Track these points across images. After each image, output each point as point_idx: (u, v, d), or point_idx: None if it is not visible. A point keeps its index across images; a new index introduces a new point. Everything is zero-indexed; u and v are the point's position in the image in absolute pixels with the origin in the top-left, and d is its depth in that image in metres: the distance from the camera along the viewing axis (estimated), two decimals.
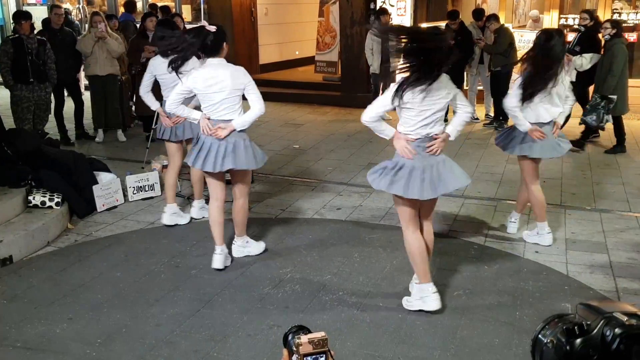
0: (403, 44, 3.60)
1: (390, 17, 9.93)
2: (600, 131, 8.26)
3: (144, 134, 8.37)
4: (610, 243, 5.09)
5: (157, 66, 5.25)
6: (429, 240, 3.99)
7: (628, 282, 4.43)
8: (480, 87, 9.96)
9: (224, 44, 4.37)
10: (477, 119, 9.61)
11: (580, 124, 7.93)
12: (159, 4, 11.80)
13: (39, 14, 12.45)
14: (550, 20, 10.91)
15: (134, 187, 6.19)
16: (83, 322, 3.90)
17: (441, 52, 3.58)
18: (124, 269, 4.67)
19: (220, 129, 4.36)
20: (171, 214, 5.52)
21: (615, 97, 7.44)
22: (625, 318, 1.12)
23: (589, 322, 1.15)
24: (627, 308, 1.16)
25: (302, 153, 8.03)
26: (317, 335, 1.40)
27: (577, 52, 8.03)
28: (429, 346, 3.62)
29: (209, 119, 4.39)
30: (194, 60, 4.64)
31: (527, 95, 4.59)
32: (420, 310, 3.96)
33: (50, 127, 8.47)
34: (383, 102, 3.77)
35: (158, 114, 5.60)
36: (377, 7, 10.40)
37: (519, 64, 5.08)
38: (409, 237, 3.90)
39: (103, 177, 6.21)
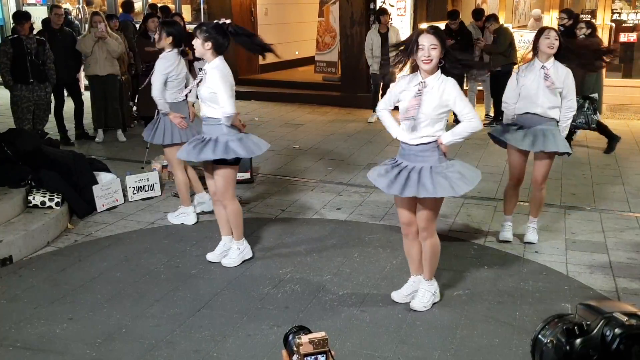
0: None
1: (390, 17, 9.93)
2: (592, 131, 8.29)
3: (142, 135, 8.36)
4: (610, 243, 5.09)
5: (169, 66, 5.21)
6: (425, 249, 3.95)
7: (628, 282, 4.43)
8: (480, 87, 9.96)
9: None
10: None
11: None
12: (159, 5, 11.79)
13: (38, 14, 12.46)
14: (550, 20, 10.91)
15: (133, 187, 6.19)
16: (83, 322, 3.90)
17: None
18: (123, 269, 4.67)
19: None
20: (194, 211, 5.62)
21: (596, 95, 7.46)
22: (625, 318, 1.12)
23: (588, 322, 1.15)
24: (627, 308, 1.16)
25: (302, 153, 8.03)
26: (318, 335, 1.40)
27: None
28: (429, 346, 3.62)
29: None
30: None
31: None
32: (419, 311, 3.98)
33: (50, 127, 8.46)
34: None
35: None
36: (377, 7, 10.40)
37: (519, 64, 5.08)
38: (403, 239, 4.05)
39: (103, 177, 6.21)
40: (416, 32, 3.74)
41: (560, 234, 5.28)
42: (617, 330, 1.10)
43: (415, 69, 3.87)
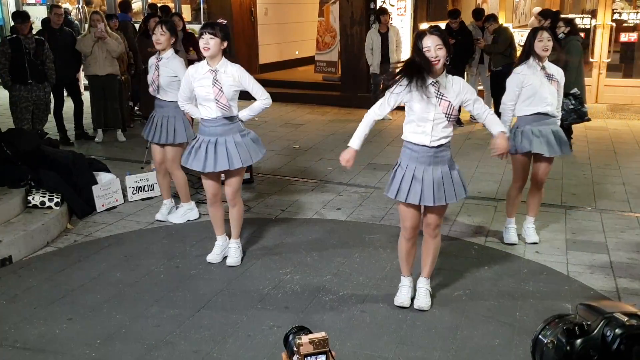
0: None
1: (390, 17, 9.93)
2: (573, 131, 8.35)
3: (142, 135, 8.36)
4: (610, 243, 5.09)
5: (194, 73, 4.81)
6: (431, 247, 3.99)
7: (628, 282, 4.42)
8: (481, 87, 9.95)
9: None
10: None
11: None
12: (159, 4, 11.79)
13: (38, 13, 12.48)
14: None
15: (133, 187, 6.18)
16: (83, 323, 3.90)
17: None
18: (123, 269, 4.67)
19: None
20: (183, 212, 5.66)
21: (576, 90, 7.48)
22: (625, 318, 1.12)
23: (589, 323, 1.15)
24: (627, 308, 1.16)
25: (301, 153, 8.03)
26: (318, 335, 1.40)
27: None
28: (429, 347, 3.61)
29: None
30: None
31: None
32: (419, 311, 3.97)
33: (50, 127, 8.46)
34: None
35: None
36: (377, 7, 10.39)
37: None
38: (400, 239, 4.04)
39: (102, 177, 6.21)
40: (416, 36, 3.70)
41: (560, 234, 5.28)
42: (617, 331, 1.10)
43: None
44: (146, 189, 6.25)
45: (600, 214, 5.77)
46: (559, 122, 4.86)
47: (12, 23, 8.25)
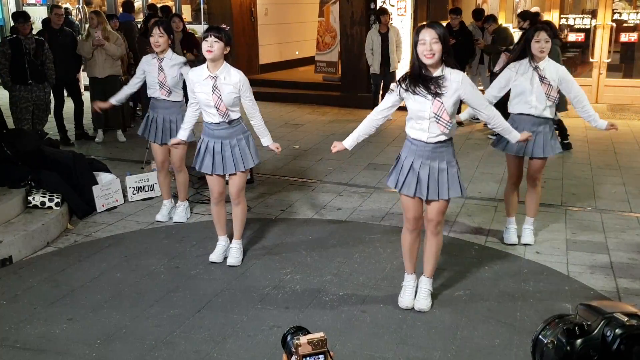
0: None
1: (391, 17, 9.93)
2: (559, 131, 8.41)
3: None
4: (611, 243, 5.09)
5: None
6: (432, 244, 4.00)
7: (629, 282, 4.42)
8: (481, 87, 9.94)
9: None
10: (477, 119, 9.59)
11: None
12: (159, 5, 11.80)
13: (38, 14, 12.48)
14: (551, 20, 10.89)
15: (133, 188, 6.18)
16: (83, 323, 3.90)
17: None
18: (123, 269, 4.67)
19: None
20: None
21: None
22: (625, 318, 1.12)
23: (589, 323, 1.15)
24: (627, 308, 1.16)
25: (302, 153, 8.03)
26: (316, 335, 1.39)
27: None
28: (429, 347, 3.61)
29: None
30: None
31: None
32: (420, 311, 3.98)
33: (50, 127, 8.47)
34: None
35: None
36: (378, 7, 10.39)
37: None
38: (403, 232, 4.05)
39: (103, 177, 6.21)
40: (416, 29, 3.72)
41: (560, 234, 5.28)
42: (617, 331, 1.10)
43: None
44: (146, 189, 6.25)
45: (600, 214, 5.77)
46: (589, 114, 4.86)
47: (12, 23, 8.25)
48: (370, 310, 4.03)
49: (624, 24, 10.71)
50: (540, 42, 4.58)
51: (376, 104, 10.58)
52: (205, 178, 4.84)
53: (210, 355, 3.54)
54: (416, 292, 4.08)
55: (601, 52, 10.62)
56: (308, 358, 1.37)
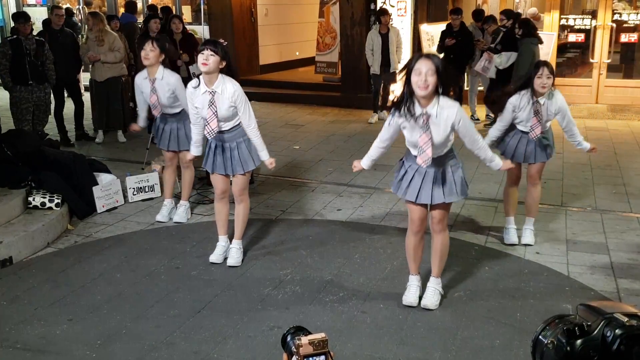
0: None
1: (391, 17, 9.93)
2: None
3: (143, 136, 8.37)
4: (611, 244, 5.08)
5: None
6: (437, 243, 4.04)
7: (629, 283, 4.42)
8: (481, 88, 9.95)
9: None
10: (478, 119, 9.60)
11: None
12: (159, 5, 11.80)
13: (39, 14, 12.49)
14: (551, 20, 10.90)
15: (134, 188, 6.18)
16: (83, 324, 3.90)
17: None
18: (123, 270, 4.67)
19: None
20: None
21: None
22: (625, 319, 1.12)
23: (589, 323, 1.15)
24: (627, 309, 1.16)
25: (302, 154, 8.03)
26: (317, 336, 1.39)
27: (499, 51, 8.50)
28: (429, 347, 3.61)
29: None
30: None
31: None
32: (423, 310, 3.99)
33: (50, 127, 8.47)
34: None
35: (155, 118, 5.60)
36: (378, 8, 10.39)
37: None
38: (408, 235, 4.08)
39: (103, 178, 6.21)
40: (413, 57, 3.67)
41: (561, 235, 5.28)
42: (617, 331, 1.10)
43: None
44: (146, 189, 6.25)
45: (600, 214, 5.77)
46: (579, 141, 4.98)
47: (12, 24, 8.26)
48: (370, 310, 4.03)
49: (624, 25, 10.71)
50: (542, 78, 4.56)
51: (376, 105, 10.61)
52: (205, 179, 4.85)
53: (210, 355, 3.54)
54: (423, 290, 4.11)
55: (601, 53, 10.62)
56: (309, 358, 1.37)
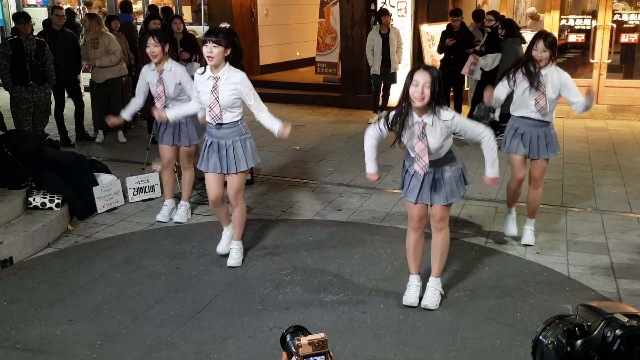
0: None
1: (391, 18, 9.93)
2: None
3: (144, 136, 8.38)
4: (611, 244, 5.08)
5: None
6: (437, 242, 4.06)
7: (629, 283, 4.42)
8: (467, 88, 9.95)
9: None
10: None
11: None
12: (160, 6, 11.80)
13: (39, 15, 12.49)
14: (551, 20, 10.90)
15: (134, 189, 6.18)
16: (83, 324, 3.90)
17: None
18: (124, 270, 4.67)
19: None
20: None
21: None
22: (626, 319, 1.12)
23: (589, 323, 1.15)
24: (627, 309, 1.16)
25: (302, 154, 8.03)
26: (317, 336, 1.39)
27: (484, 52, 8.52)
28: (430, 347, 3.61)
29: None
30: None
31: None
32: (423, 310, 3.99)
33: (51, 128, 8.47)
34: None
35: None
36: (378, 8, 10.39)
37: None
38: (408, 232, 4.10)
39: (103, 178, 6.21)
40: (412, 69, 3.78)
41: (561, 235, 5.27)
42: (617, 332, 1.10)
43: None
44: (147, 190, 6.25)
45: (601, 214, 5.77)
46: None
47: (13, 24, 8.26)
48: (370, 311, 4.03)
49: (624, 25, 10.71)
50: (538, 51, 4.63)
51: (376, 105, 10.59)
52: (207, 180, 4.84)
53: (211, 356, 3.54)
54: (424, 290, 4.12)
55: (601, 53, 10.62)
56: (309, 359, 1.37)
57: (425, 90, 3.57)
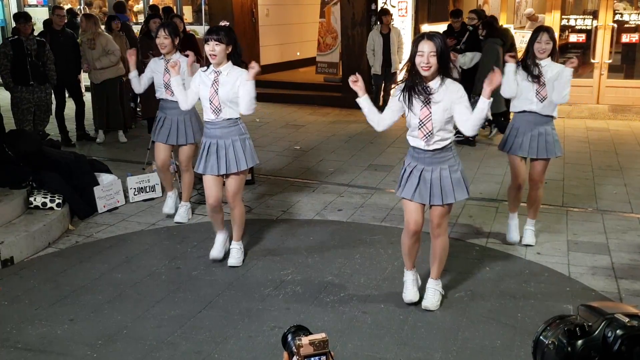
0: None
1: (392, 17, 9.93)
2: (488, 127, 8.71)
3: (144, 136, 8.39)
4: (612, 244, 5.08)
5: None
6: (436, 247, 4.02)
7: (630, 283, 4.42)
8: None
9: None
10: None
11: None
12: (160, 6, 11.80)
13: (40, 15, 12.49)
14: (552, 20, 10.89)
15: (134, 189, 6.18)
16: (84, 324, 3.90)
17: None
18: (124, 270, 4.67)
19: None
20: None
21: None
22: (626, 319, 1.12)
23: (590, 324, 1.15)
24: (628, 309, 1.16)
25: (303, 154, 8.03)
26: (318, 336, 1.39)
27: (463, 51, 8.51)
28: (430, 347, 3.61)
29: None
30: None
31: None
32: (425, 310, 4.00)
33: (51, 128, 8.48)
34: None
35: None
36: (379, 8, 10.39)
37: None
38: (403, 236, 4.07)
39: (104, 178, 6.21)
40: (416, 37, 3.77)
41: (562, 235, 5.27)
42: (618, 332, 1.10)
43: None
44: (147, 190, 6.25)
45: (601, 215, 5.77)
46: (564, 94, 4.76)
47: (13, 24, 8.27)
48: (371, 311, 4.03)
49: (625, 25, 10.71)
50: (541, 44, 4.66)
51: (377, 105, 10.58)
52: (205, 181, 4.83)
53: (211, 355, 3.54)
54: (423, 291, 4.11)
55: (602, 53, 10.62)
56: (310, 359, 1.37)
57: (431, 59, 3.57)
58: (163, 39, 5.29)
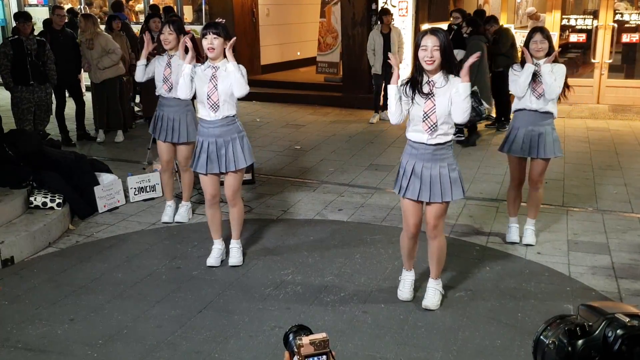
0: None
1: (392, 17, 9.93)
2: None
3: (144, 136, 8.38)
4: (612, 244, 5.08)
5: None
6: (433, 248, 4.02)
7: (630, 283, 4.42)
8: None
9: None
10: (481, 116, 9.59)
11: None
12: (161, 5, 11.80)
13: (40, 14, 12.49)
14: (552, 20, 10.89)
15: (135, 188, 6.19)
16: (84, 323, 3.90)
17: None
18: (125, 270, 4.67)
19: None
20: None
21: (475, 88, 7.57)
22: (627, 319, 1.12)
23: (590, 323, 1.15)
24: (628, 309, 1.16)
25: (303, 154, 8.03)
26: (319, 336, 1.39)
27: None
28: (430, 347, 3.61)
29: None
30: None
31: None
32: (425, 310, 4.00)
33: (52, 127, 8.48)
34: None
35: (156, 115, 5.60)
36: (379, 8, 10.39)
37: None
38: (402, 236, 4.10)
39: (104, 177, 6.21)
40: (420, 33, 3.80)
41: (562, 235, 5.27)
42: (619, 332, 1.10)
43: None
44: (148, 189, 6.25)
45: (601, 214, 5.77)
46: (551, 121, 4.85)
47: (14, 24, 8.27)
48: (371, 310, 4.03)
49: (626, 25, 10.70)
50: (537, 43, 4.72)
51: (377, 105, 10.59)
52: (202, 180, 4.83)
53: (212, 355, 3.54)
54: (423, 291, 4.12)
55: (603, 53, 10.62)
56: (310, 359, 1.37)
57: (434, 53, 3.61)
58: (167, 35, 5.32)
